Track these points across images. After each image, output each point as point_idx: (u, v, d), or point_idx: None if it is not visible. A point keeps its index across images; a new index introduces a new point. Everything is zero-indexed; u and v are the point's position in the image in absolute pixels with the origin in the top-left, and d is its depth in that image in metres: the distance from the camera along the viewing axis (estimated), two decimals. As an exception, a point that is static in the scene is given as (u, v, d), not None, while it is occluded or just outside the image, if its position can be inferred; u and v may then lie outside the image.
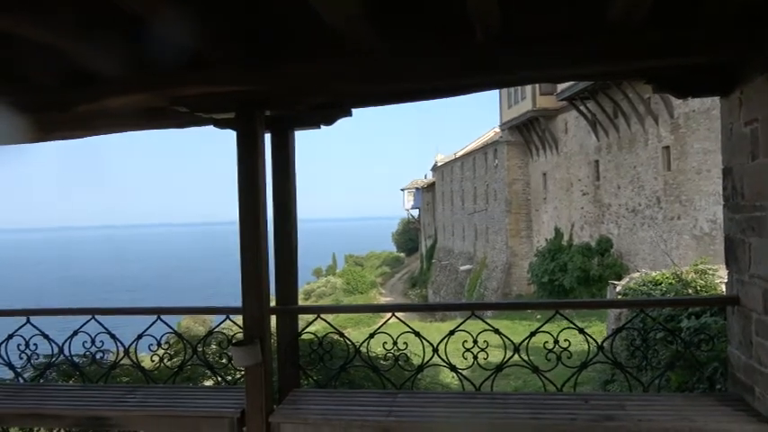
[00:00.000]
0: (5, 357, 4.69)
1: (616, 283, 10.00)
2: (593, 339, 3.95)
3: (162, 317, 4.45)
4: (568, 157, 28.05)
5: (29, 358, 4.67)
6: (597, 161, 25.35)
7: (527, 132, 31.69)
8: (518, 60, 3.33)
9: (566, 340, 3.94)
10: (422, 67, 3.38)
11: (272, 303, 4.13)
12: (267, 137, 4.13)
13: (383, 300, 46.56)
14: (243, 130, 3.68)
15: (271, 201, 4.15)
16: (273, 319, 4.21)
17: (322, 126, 4.26)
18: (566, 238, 27.90)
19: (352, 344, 4.29)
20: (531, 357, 4.04)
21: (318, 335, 4.36)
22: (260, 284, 3.73)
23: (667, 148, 19.94)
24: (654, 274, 9.41)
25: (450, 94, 3.89)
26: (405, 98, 3.95)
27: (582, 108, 25.04)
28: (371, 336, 4.29)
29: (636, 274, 10.02)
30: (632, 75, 4.02)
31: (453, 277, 41.17)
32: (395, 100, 3.98)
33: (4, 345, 4.67)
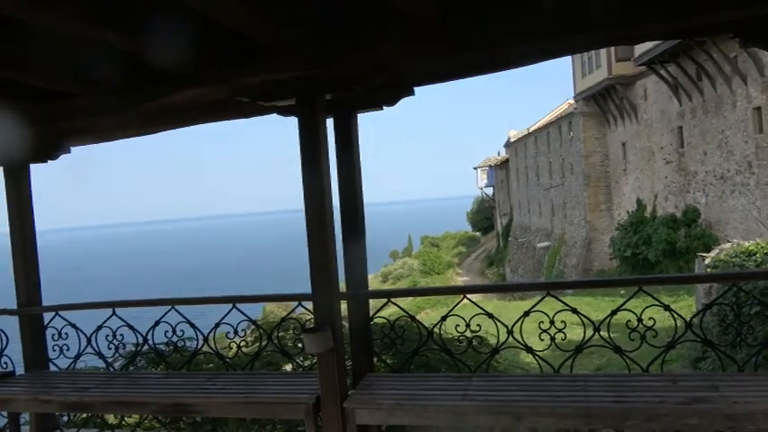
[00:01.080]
0: (95, 347, 4.93)
1: (705, 255, 9.41)
2: (681, 316, 3.71)
3: (238, 305, 4.56)
4: (649, 125, 26.74)
5: (116, 348, 4.90)
6: (680, 127, 24.03)
7: (603, 102, 30.40)
8: (586, 24, 3.12)
9: (650, 318, 3.73)
10: (482, 39, 3.23)
11: (344, 289, 4.13)
12: (330, 121, 4.11)
13: (460, 280, 46.29)
14: (304, 115, 3.64)
15: (336, 186, 4.14)
16: (345, 304, 4.21)
17: (384, 107, 4.19)
18: (649, 209, 26.70)
19: (424, 327, 4.23)
20: (613, 335, 3.85)
21: (391, 319, 4.33)
22: (328, 271, 3.71)
23: (758, 108, 18.60)
24: (747, 244, 8.79)
25: (515, 65, 3.70)
26: (466, 73, 3.80)
27: (662, 72, 23.74)
28: (444, 318, 4.21)
29: (726, 245, 9.39)
30: (717, 29, 3.68)
31: (531, 255, 40.38)
32: (456, 75, 3.84)
33: (94, 335, 4.92)
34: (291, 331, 5.14)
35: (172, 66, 3.41)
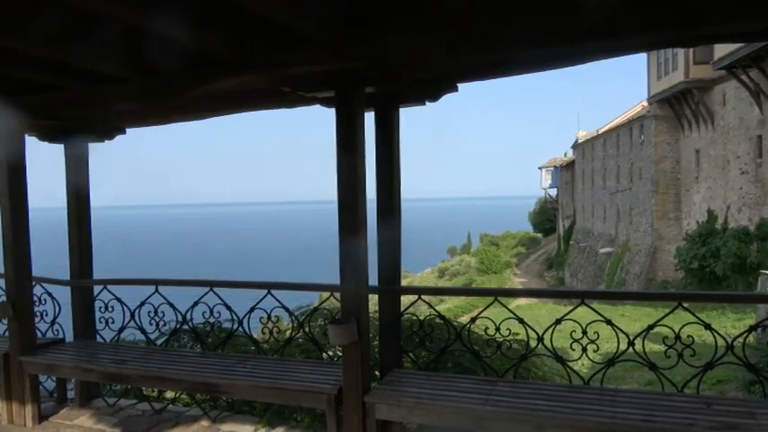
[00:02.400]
0: (138, 322, 5.12)
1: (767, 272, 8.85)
2: (722, 337, 3.52)
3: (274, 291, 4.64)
4: (725, 132, 25.44)
5: (157, 325, 5.07)
6: (760, 136, 22.73)
7: (678, 106, 29.10)
8: (634, 22, 2.98)
9: (689, 336, 3.56)
10: (526, 35, 3.14)
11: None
12: (371, 115, 4.10)
13: (517, 281, 45.50)
14: (341, 107, 3.64)
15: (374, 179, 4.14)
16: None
17: (427, 102, 4.15)
18: (720, 221, 25.46)
19: (453, 328, 4.18)
20: (660, 350, 3.68)
21: (421, 317, 4.30)
22: (357, 264, 3.71)
23: None
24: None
25: (561, 65, 3.58)
26: (512, 70, 3.70)
27: (743, 77, 22.52)
28: (473, 320, 4.17)
29: (794, 264, 8.81)
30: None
31: (592, 260, 39.28)
32: (501, 72, 3.74)
33: (137, 311, 5.11)
34: (321, 321, 5.17)
35: (213, 54, 3.47)
